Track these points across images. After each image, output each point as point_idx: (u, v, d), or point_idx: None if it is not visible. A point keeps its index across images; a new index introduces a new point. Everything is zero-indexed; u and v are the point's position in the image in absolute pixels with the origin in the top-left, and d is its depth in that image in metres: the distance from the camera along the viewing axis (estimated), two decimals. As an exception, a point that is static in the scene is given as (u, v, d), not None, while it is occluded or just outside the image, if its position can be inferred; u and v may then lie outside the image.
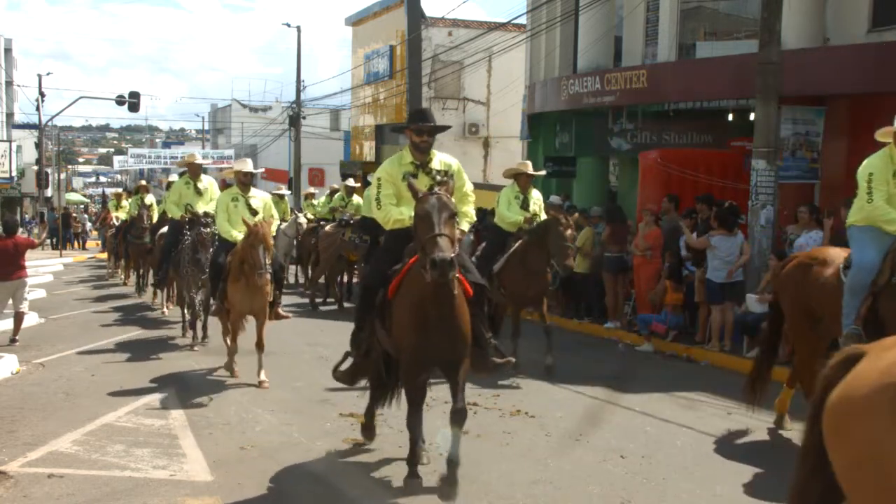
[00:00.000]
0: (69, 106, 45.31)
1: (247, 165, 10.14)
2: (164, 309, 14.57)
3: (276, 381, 9.22)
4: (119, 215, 21.46)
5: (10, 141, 41.84)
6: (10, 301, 11.85)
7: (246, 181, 9.91)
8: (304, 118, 35.39)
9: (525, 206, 10.40)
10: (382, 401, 6.89)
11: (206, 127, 63.37)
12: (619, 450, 6.95)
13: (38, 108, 38.15)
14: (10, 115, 45.71)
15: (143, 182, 20.54)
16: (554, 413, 8.18)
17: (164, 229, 13.57)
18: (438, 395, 8.78)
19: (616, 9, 18.23)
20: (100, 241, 30.17)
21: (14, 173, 41.30)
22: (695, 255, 12.02)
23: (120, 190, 26.50)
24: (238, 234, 9.43)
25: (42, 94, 38.12)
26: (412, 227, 5.70)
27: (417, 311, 5.63)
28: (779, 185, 12.17)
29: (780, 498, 6.09)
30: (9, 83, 45.02)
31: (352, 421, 7.76)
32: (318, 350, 11.05)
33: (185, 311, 12.12)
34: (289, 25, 35.08)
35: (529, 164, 11.01)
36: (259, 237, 8.66)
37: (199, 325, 11.68)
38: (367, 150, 33.62)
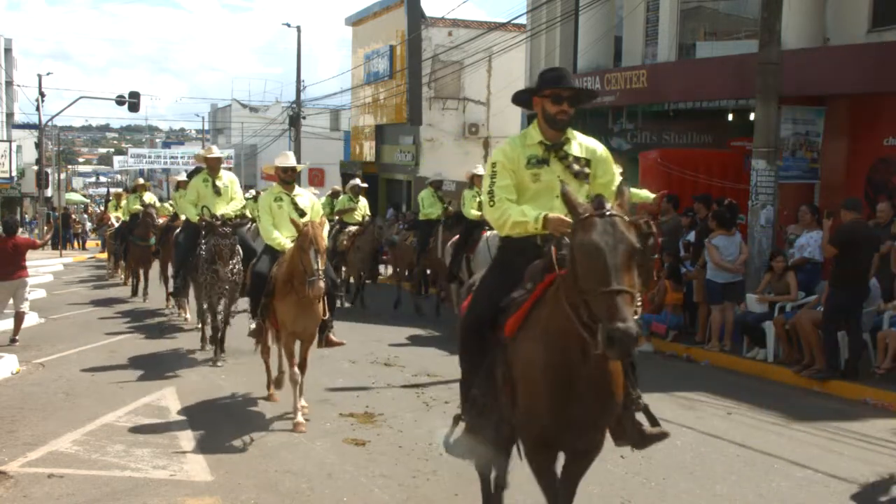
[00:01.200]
0: (69, 106, 45.27)
1: (289, 160, 8.57)
2: (185, 315, 13.72)
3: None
4: (118, 215, 21.13)
5: (10, 141, 41.85)
6: (11, 301, 11.85)
7: (289, 178, 8.47)
8: (304, 118, 35.39)
9: None
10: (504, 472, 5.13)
11: (206, 127, 63.36)
12: (619, 450, 6.93)
13: (38, 108, 38.16)
14: (10, 115, 45.73)
15: (142, 181, 19.61)
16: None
17: (183, 232, 12.48)
18: (439, 395, 8.80)
19: (616, 9, 18.23)
20: (99, 241, 30.11)
21: (14, 173, 41.31)
22: (693, 255, 12.02)
23: (120, 190, 26.11)
24: (286, 241, 7.98)
25: (42, 94, 38.12)
26: (559, 255, 4.01)
27: (557, 374, 3.95)
28: (779, 185, 12.17)
29: (781, 498, 6.10)
30: (9, 83, 45.03)
31: (352, 421, 7.77)
32: (318, 350, 11.03)
33: (202, 321, 11.36)
34: (289, 25, 35.09)
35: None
36: (310, 239, 7.30)
37: (204, 333, 11.21)
38: (367, 150, 33.62)
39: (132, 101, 32.73)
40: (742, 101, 14.63)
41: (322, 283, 7.23)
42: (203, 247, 10.41)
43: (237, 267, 10.28)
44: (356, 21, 34.31)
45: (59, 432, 7.28)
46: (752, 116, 13.07)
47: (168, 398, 8.59)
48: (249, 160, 46.82)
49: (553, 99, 4.52)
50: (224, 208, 10.60)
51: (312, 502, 5.83)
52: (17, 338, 11.64)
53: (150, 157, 45.08)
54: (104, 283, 20.37)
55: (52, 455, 6.72)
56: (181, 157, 42.25)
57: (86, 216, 39.84)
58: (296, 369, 7.68)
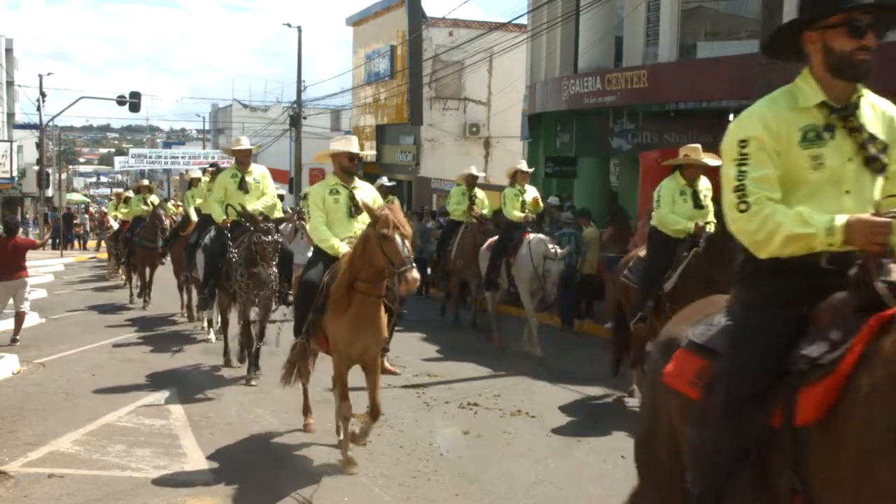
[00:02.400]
0: (70, 106, 45.30)
1: (352, 145, 7.07)
2: (211, 335, 12.05)
3: (277, 382, 9.19)
4: (116, 215, 20.70)
5: (10, 141, 41.86)
6: (11, 301, 11.86)
7: (351, 167, 6.98)
8: (304, 118, 35.40)
9: (697, 201, 8.30)
10: None
11: (207, 127, 63.40)
12: (620, 450, 6.94)
13: (38, 109, 38.18)
14: (10, 116, 45.72)
15: (146, 182, 18.68)
16: (554, 413, 8.18)
17: (210, 235, 11.23)
18: (439, 395, 8.81)
19: (617, 9, 18.23)
20: (96, 242, 30.09)
21: (15, 173, 41.32)
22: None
23: (121, 190, 25.92)
24: (343, 245, 6.58)
25: (43, 95, 38.14)
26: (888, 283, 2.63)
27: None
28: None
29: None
30: (9, 83, 45.04)
31: (352, 421, 7.76)
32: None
33: (225, 335, 10.29)
34: (289, 26, 35.08)
35: (698, 147, 8.84)
36: (393, 223, 5.82)
37: (228, 347, 10.19)
38: (368, 150, 33.64)
39: (133, 101, 32.73)
40: (743, 101, 14.61)
41: (417, 273, 5.79)
42: (233, 248, 9.36)
43: (273, 271, 9.21)
44: (357, 21, 34.34)
45: (59, 432, 7.28)
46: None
47: (169, 398, 8.59)
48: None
49: (849, 28, 3.05)
50: (253, 205, 9.55)
51: (312, 502, 5.83)
52: (17, 338, 11.65)
53: (150, 157, 45.08)
54: (105, 284, 20.36)
55: (53, 455, 6.72)
56: (182, 158, 42.25)
57: (86, 216, 39.83)
58: (348, 404, 6.36)
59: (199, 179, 14.00)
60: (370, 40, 32.86)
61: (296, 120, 35.18)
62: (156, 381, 9.36)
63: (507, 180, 12.41)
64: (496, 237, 11.96)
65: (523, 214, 11.59)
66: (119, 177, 68.85)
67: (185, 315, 13.93)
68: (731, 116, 16.65)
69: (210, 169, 12.94)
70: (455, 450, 6.86)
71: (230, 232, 9.56)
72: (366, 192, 7.01)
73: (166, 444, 7.01)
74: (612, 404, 8.67)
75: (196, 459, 6.64)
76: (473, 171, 13.22)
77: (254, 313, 9.56)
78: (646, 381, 3.88)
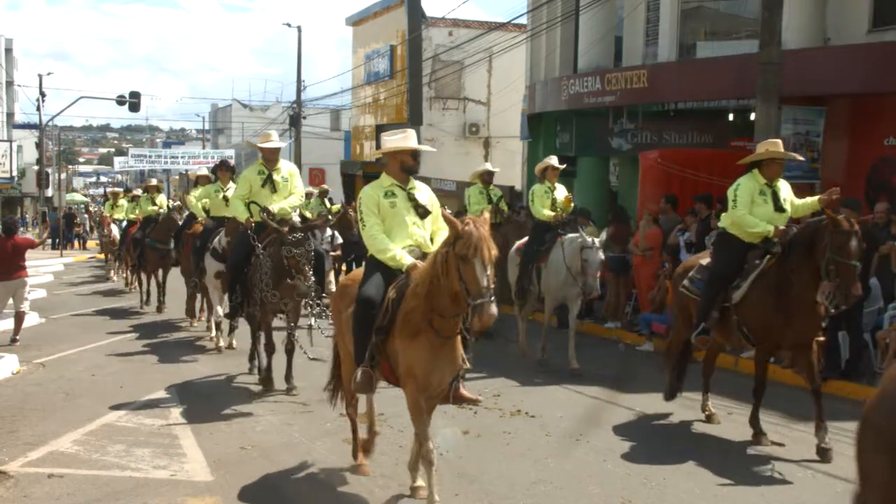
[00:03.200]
0: (70, 106, 45.38)
1: (410, 139, 6.05)
2: (222, 343, 11.33)
3: (276, 381, 9.20)
4: (116, 215, 20.62)
5: (10, 141, 41.91)
6: (11, 301, 11.86)
7: (413, 166, 6.02)
8: (304, 118, 35.41)
9: (777, 203, 7.50)
10: None
11: (207, 127, 63.41)
12: (620, 450, 6.95)
13: (38, 108, 38.24)
14: (10, 115, 45.78)
15: (154, 181, 17.70)
16: (554, 413, 8.18)
17: (219, 237, 10.90)
18: (439, 395, 8.80)
19: (616, 9, 18.22)
20: (97, 242, 29.84)
21: (15, 173, 41.37)
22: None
23: (119, 189, 24.88)
24: (406, 255, 5.66)
25: (42, 94, 38.18)
26: None
27: None
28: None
29: (781, 498, 6.10)
30: (9, 83, 45.09)
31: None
32: (316, 349, 11.01)
33: (259, 346, 9.42)
34: (289, 25, 35.14)
35: (779, 141, 7.95)
36: (474, 244, 4.93)
37: (259, 362, 9.37)
38: (368, 150, 33.61)
39: (133, 101, 32.75)
40: (742, 101, 14.63)
41: (495, 308, 4.96)
42: (262, 255, 8.63)
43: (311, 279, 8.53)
44: (356, 21, 34.33)
45: (59, 432, 7.28)
46: (752, 116, 13.08)
47: (169, 398, 8.59)
48: (250, 160, 46.79)
49: None
50: (279, 204, 8.94)
51: (313, 502, 5.83)
52: (17, 338, 11.65)
53: (150, 157, 45.02)
54: (104, 283, 20.35)
55: (53, 455, 6.73)
56: (181, 157, 42.23)
57: (86, 216, 39.83)
58: (431, 445, 5.40)
59: (206, 177, 13.48)
60: (370, 40, 32.86)
61: (295, 120, 35.18)
62: (156, 381, 9.36)
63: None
64: (526, 239, 11.24)
65: (554, 213, 10.82)
66: (119, 177, 68.83)
67: (196, 321, 13.39)
68: (730, 116, 16.71)
69: (221, 168, 12.23)
70: (455, 450, 6.85)
71: (255, 234, 8.79)
72: (424, 193, 6.03)
73: (166, 444, 7.01)
74: (612, 404, 8.66)
75: (195, 459, 6.64)
76: (488, 167, 12.75)
77: (279, 321, 9.07)
78: None
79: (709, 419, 8.00)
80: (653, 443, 7.31)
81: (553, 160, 11.25)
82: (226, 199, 11.25)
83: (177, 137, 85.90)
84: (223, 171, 11.96)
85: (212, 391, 8.96)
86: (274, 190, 9.05)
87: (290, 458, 6.73)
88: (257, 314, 9.08)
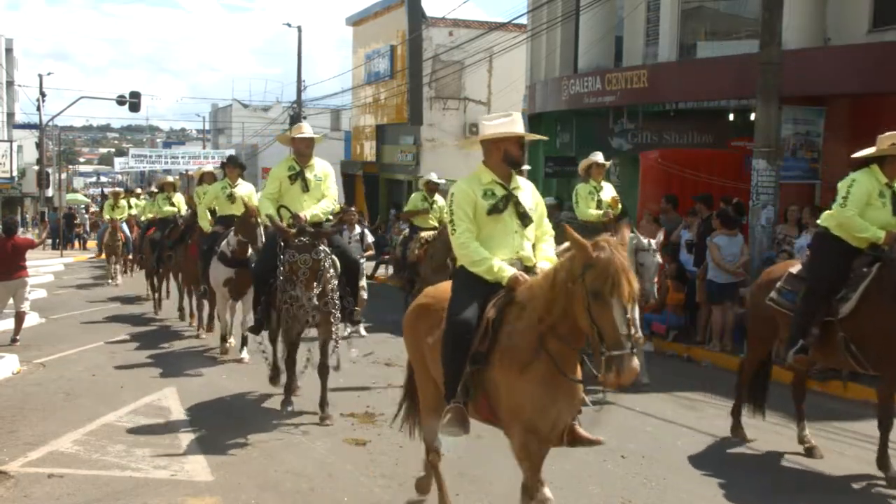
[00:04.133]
0: (70, 106, 45.38)
1: (517, 124, 4.93)
2: (244, 355, 10.47)
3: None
4: (116, 216, 19.95)
5: (10, 141, 41.92)
6: (11, 301, 11.86)
7: (519, 158, 4.97)
8: (304, 118, 35.40)
9: None
10: None
11: (207, 127, 63.43)
12: (619, 450, 6.95)
13: (38, 108, 38.24)
14: (10, 115, 45.80)
15: (170, 179, 16.47)
16: (554, 413, 8.15)
17: (227, 240, 10.25)
18: (439, 395, 8.79)
19: (616, 9, 18.23)
20: (96, 242, 29.66)
21: (15, 173, 41.38)
22: (697, 255, 12.02)
23: (119, 189, 24.13)
24: (507, 267, 4.67)
25: (43, 94, 38.19)
26: None
27: None
28: (779, 186, 12.18)
29: (781, 498, 6.10)
30: (9, 83, 45.11)
31: (352, 421, 7.77)
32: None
33: (281, 361, 8.49)
34: (289, 25, 35.12)
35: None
36: (612, 275, 3.98)
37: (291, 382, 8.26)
38: (368, 150, 33.64)
39: (133, 101, 32.77)
40: (742, 101, 14.63)
41: (637, 362, 3.96)
42: (283, 259, 7.54)
43: (330, 288, 7.61)
44: (357, 21, 34.34)
45: (59, 432, 7.28)
46: (752, 116, 13.09)
47: (169, 398, 8.59)
48: (250, 160, 46.80)
49: None
50: (311, 209, 7.83)
51: (313, 502, 5.83)
52: (17, 338, 11.65)
53: (150, 157, 45.05)
54: (104, 284, 20.31)
55: (53, 455, 6.73)
56: (182, 158, 42.26)
57: (87, 216, 39.85)
58: (546, 491, 4.48)
59: (211, 174, 12.89)
60: (370, 40, 32.87)
61: (296, 120, 35.18)
62: (156, 381, 9.36)
63: (580, 175, 11.00)
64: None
65: (600, 212, 10.35)
66: (119, 177, 68.85)
67: (200, 329, 12.54)
68: (730, 116, 16.71)
69: (229, 164, 11.47)
70: (455, 450, 6.85)
71: (281, 242, 7.58)
72: (527, 193, 4.92)
73: (166, 444, 7.01)
74: (612, 404, 8.65)
75: (195, 459, 6.64)
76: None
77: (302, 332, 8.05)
78: None
79: (809, 453, 6.95)
80: (653, 443, 7.31)
81: (598, 157, 10.64)
82: (232, 196, 10.86)
83: (177, 137, 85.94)
84: (232, 167, 11.33)
85: (212, 391, 8.95)
86: (305, 189, 7.97)
87: (291, 458, 6.73)
88: (281, 329, 8.11)
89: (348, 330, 8.08)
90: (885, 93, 12.61)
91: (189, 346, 11.62)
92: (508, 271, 4.65)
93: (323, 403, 7.77)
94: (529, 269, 4.74)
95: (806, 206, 12.07)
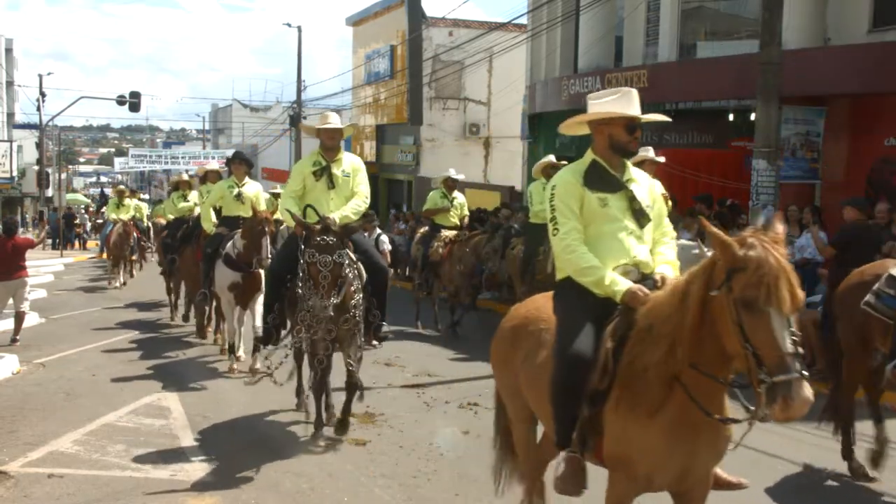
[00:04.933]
0: (70, 106, 45.40)
1: (630, 104, 4.08)
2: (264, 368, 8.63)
3: (278, 378, 9.18)
4: (121, 216, 19.12)
5: (10, 141, 41.93)
6: (11, 301, 11.86)
7: (630, 145, 4.11)
8: (304, 118, 35.40)
9: None
10: None
11: (207, 127, 63.44)
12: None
13: (38, 108, 38.25)
14: (10, 115, 45.78)
15: (186, 176, 15.51)
16: (554, 413, 8.15)
17: (232, 241, 9.74)
18: (438, 395, 8.81)
19: (617, 9, 18.24)
20: (98, 242, 29.43)
21: (15, 173, 41.39)
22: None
23: (123, 188, 23.17)
24: (622, 280, 3.90)
25: (42, 94, 38.20)
26: None
27: None
28: (779, 186, 12.18)
29: (782, 498, 6.09)
30: (9, 83, 45.08)
31: (352, 421, 7.76)
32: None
33: (302, 377, 7.90)
34: (289, 25, 35.16)
35: None
36: (769, 281, 3.17)
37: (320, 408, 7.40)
38: (368, 150, 33.63)
39: (133, 101, 32.77)
40: (743, 101, 14.63)
41: (809, 390, 3.13)
42: (301, 266, 6.72)
43: (353, 302, 6.79)
44: (356, 21, 34.35)
45: (59, 432, 7.28)
46: (752, 116, 13.09)
47: (169, 398, 8.58)
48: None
49: None
50: (341, 210, 7.05)
51: (313, 502, 5.83)
52: (17, 338, 11.64)
53: (150, 157, 45.08)
54: (105, 284, 20.28)
55: (53, 455, 6.72)
56: (182, 157, 42.28)
57: (86, 216, 39.83)
58: None
59: (215, 172, 12.38)
60: (370, 40, 32.87)
61: (296, 120, 35.21)
62: (156, 381, 9.35)
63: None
64: None
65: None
66: (119, 177, 68.86)
67: (205, 336, 11.90)
68: (730, 116, 16.71)
69: (235, 161, 10.82)
70: (455, 450, 6.85)
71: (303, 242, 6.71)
72: (643, 186, 4.16)
73: (166, 444, 7.01)
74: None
75: (196, 459, 6.64)
76: (552, 159, 11.30)
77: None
78: None
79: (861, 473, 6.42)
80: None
81: (649, 152, 9.76)
82: (240, 196, 10.30)
83: (177, 137, 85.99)
84: (238, 164, 10.69)
85: (212, 391, 8.95)
86: (332, 186, 7.18)
87: (292, 458, 6.72)
88: (300, 341, 7.15)
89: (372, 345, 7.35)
90: (885, 93, 12.61)
91: (190, 347, 11.60)
92: (623, 284, 3.82)
93: (345, 416, 7.16)
94: (647, 278, 3.95)
95: (806, 206, 12.07)
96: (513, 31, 23.67)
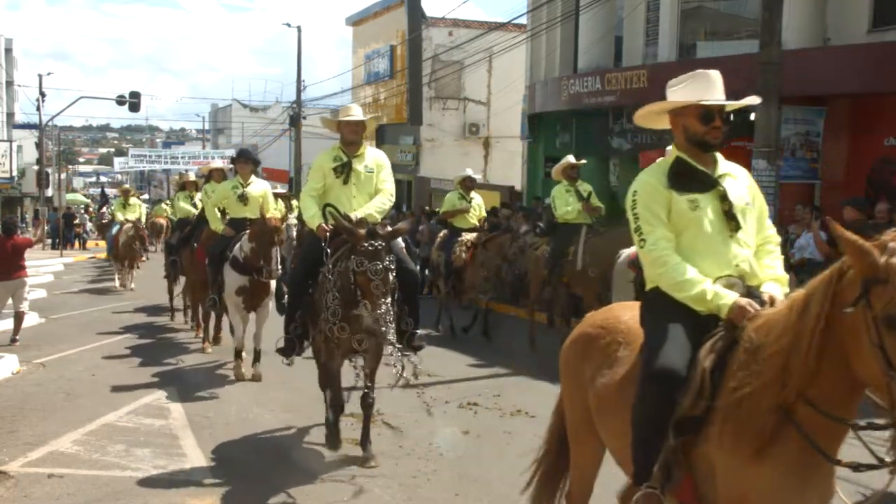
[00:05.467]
0: (69, 106, 45.36)
1: (712, 88, 3.76)
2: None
3: (276, 381, 9.20)
4: (128, 216, 18.53)
5: (10, 141, 41.95)
6: (11, 301, 11.86)
7: (705, 135, 3.66)
8: (304, 118, 35.41)
9: None
10: None
11: (207, 127, 63.44)
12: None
13: (38, 108, 38.22)
14: (10, 115, 45.79)
15: (192, 176, 15.02)
16: (554, 413, 8.15)
17: (239, 244, 9.32)
18: (438, 394, 8.80)
19: (616, 9, 18.25)
20: (99, 242, 29.28)
21: (14, 173, 41.41)
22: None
23: (128, 187, 22.77)
24: (726, 293, 3.37)
25: (42, 94, 38.17)
26: None
27: None
28: (779, 185, 12.19)
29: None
30: (9, 83, 45.09)
31: (352, 421, 7.75)
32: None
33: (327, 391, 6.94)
34: (289, 25, 35.15)
35: None
36: None
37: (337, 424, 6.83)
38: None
39: (133, 101, 32.74)
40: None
41: None
42: (330, 271, 6.23)
43: (384, 308, 5.94)
44: (356, 21, 34.37)
45: (59, 432, 7.27)
46: (752, 116, 13.09)
47: (169, 398, 8.58)
48: (250, 161, 46.84)
49: None
50: (364, 208, 6.52)
51: (313, 502, 5.82)
52: (17, 338, 11.64)
53: (150, 157, 45.06)
54: (105, 284, 20.28)
55: (53, 455, 6.72)
56: (181, 157, 42.27)
57: (86, 216, 39.85)
58: None
59: (220, 171, 12.09)
60: (370, 40, 32.88)
61: (295, 120, 35.21)
62: (156, 381, 9.35)
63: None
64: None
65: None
66: (119, 177, 68.87)
67: (206, 343, 11.27)
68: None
69: (240, 160, 10.34)
70: (455, 450, 6.85)
71: (328, 246, 6.29)
72: (740, 182, 3.67)
73: (166, 444, 7.00)
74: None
75: (196, 459, 6.63)
76: (571, 159, 11.11)
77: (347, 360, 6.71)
78: None
79: None
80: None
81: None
82: (244, 197, 9.86)
83: (177, 137, 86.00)
84: (243, 162, 10.21)
85: (212, 391, 8.94)
86: (355, 183, 6.66)
87: (292, 458, 6.72)
88: (322, 355, 6.69)
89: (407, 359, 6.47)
90: (885, 93, 12.62)
91: (190, 346, 11.59)
92: (729, 298, 3.30)
93: (365, 440, 6.55)
94: (753, 292, 3.43)
95: (806, 205, 12.09)
96: (512, 31, 23.68)
